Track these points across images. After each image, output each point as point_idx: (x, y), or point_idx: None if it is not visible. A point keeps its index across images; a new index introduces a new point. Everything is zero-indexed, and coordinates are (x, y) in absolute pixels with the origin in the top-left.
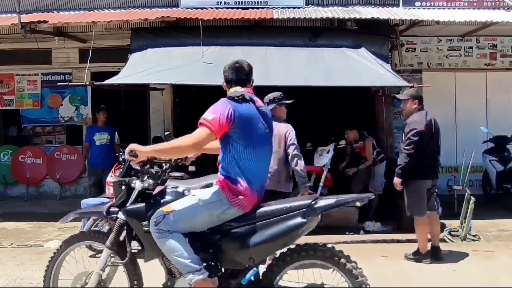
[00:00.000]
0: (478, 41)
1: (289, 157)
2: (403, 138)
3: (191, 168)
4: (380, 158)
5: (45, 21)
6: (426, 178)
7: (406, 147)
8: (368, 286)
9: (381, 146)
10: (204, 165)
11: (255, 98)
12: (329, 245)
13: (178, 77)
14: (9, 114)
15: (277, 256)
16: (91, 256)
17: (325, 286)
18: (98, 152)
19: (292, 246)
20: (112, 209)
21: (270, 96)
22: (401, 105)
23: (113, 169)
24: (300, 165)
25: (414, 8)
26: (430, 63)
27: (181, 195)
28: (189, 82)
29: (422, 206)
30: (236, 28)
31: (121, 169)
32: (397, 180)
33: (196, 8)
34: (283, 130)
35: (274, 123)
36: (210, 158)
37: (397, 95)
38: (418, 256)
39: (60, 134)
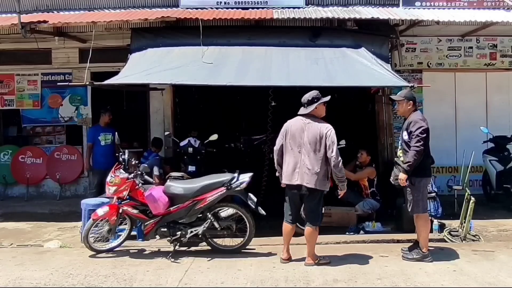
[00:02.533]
0: (478, 41)
1: (329, 158)
2: (406, 137)
3: (191, 168)
4: (374, 195)
5: (45, 21)
6: (429, 175)
7: (416, 144)
8: None
9: (381, 146)
10: (204, 165)
11: None
12: None
13: (178, 77)
14: (9, 114)
15: None
16: (91, 256)
17: None
18: (103, 152)
19: None
20: None
21: (309, 96)
22: (396, 106)
23: (113, 169)
24: (338, 169)
25: (414, 8)
26: (430, 63)
27: None
28: (189, 82)
29: (426, 203)
30: (236, 28)
31: (121, 169)
32: (403, 176)
33: (196, 8)
34: (324, 130)
35: (314, 121)
36: (210, 158)
37: (391, 96)
38: (420, 256)
39: (60, 134)
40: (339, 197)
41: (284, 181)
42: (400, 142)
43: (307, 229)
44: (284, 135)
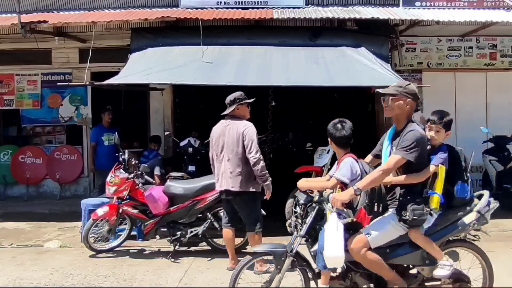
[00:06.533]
0: (478, 41)
1: (248, 158)
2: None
3: (191, 168)
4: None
5: (45, 21)
6: None
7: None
8: None
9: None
10: (204, 165)
11: None
12: None
13: (178, 77)
14: (9, 114)
15: None
16: (91, 256)
17: None
18: (106, 152)
19: None
20: None
21: (231, 97)
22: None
23: (113, 169)
24: (258, 167)
25: (414, 8)
26: (430, 63)
27: None
28: (189, 82)
29: None
30: (236, 28)
31: (121, 169)
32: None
33: (196, 8)
34: (241, 129)
35: (233, 122)
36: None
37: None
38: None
39: (60, 134)
40: (266, 198)
41: (216, 187)
42: None
43: (248, 235)
44: (211, 143)
